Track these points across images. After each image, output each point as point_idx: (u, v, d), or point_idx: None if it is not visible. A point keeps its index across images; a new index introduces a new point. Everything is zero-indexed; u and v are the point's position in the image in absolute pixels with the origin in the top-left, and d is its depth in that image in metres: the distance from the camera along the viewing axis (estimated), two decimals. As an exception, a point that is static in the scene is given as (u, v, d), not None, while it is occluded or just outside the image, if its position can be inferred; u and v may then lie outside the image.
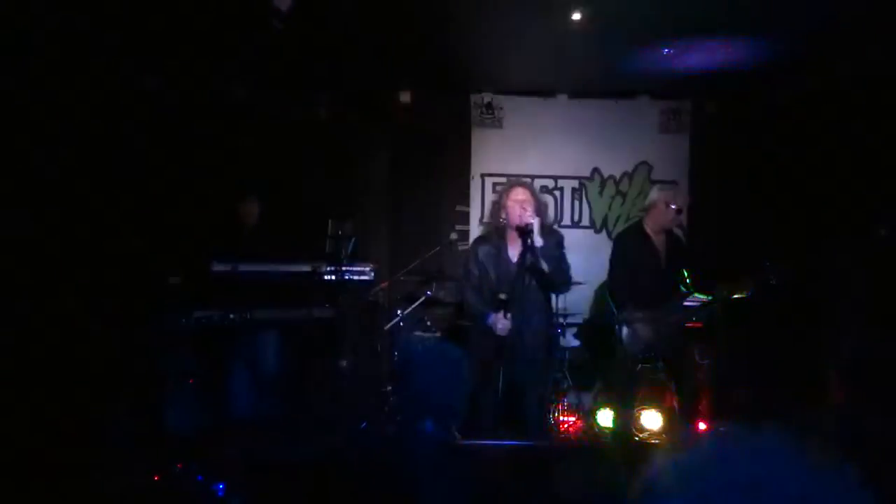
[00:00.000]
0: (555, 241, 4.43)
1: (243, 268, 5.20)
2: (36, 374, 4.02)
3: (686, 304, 4.85)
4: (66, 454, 3.75)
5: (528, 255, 4.21)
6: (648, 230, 4.89)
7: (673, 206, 4.78)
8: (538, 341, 4.46)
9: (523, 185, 4.52)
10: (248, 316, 5.04)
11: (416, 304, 5.67)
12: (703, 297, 4.86)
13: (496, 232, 4.52)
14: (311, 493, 2.65)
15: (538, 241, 4.19)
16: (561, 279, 4.45)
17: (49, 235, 4.39)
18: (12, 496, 3.41)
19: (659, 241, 4.88)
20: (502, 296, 4.31)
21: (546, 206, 4.63)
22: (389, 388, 5.66)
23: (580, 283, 6.20)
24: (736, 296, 4.64)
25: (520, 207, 4.27)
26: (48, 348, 4.12)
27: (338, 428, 5.03)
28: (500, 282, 4.42)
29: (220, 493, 3.84)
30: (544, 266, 4.25)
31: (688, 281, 4.87)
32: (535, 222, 4.19)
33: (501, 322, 4.28)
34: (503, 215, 4.41)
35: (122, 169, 5.51)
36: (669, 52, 5.52)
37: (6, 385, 3.82)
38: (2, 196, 4.09)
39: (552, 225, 4.75)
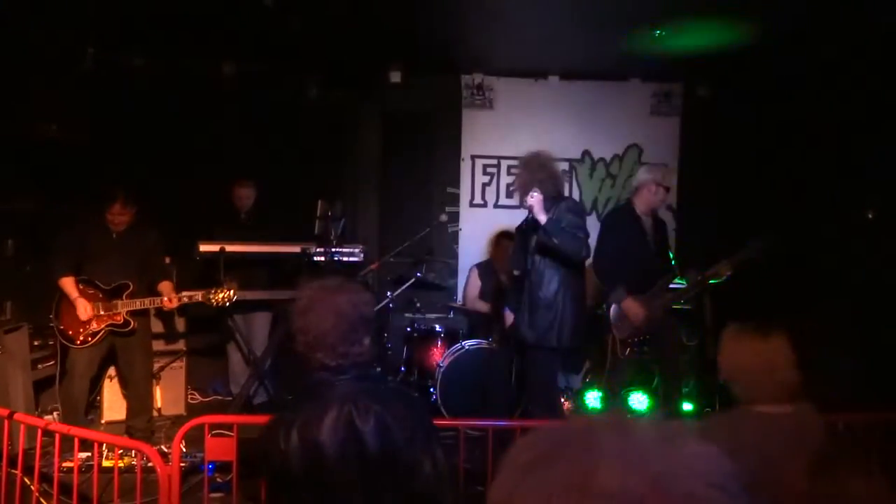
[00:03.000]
0: (565, 208, 4.41)
1: (231, 248, 5.19)
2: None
3: (673, 286, 4.87)
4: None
5: (538, 234, 4.26)
6: (638, 211, 4.89)
7: (663, 186, 4.77)
8: (546, 324, 4.39)
9: (520, 166, 4.53)
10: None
11: (406, 285, 5.69)
12: (683, 282, 4.89)
13: None
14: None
15: (542, 219, 4.21)
16: (573, 247, 4.31)
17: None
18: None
19: (647, 222, 4.88)
20: (516, 272, 4.45)
21: (553, 175, 4.49)
22: (378, 369, 5.68)
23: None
24: (713, 280, 4.65)
25: (521, 190, 4.32)
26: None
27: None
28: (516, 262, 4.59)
29: (209, 473, 3.88)
30: (554, 241, 4.24)
31: (673, 263, 4.89)
32: (535, 200, 4.22)
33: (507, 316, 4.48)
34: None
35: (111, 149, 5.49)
36: (661, 33, 5.50)
37: None
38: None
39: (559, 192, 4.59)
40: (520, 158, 4.64)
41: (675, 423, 0.93)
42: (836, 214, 5.52)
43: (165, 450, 4.26)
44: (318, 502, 1.95)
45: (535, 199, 4.25)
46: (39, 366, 5.01)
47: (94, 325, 4.65)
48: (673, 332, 4.90)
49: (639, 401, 5.37)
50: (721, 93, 6.79)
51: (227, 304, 4.86)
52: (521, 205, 4.36)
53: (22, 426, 3.67)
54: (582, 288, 4.60)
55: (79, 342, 4.62)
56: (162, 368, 5.45)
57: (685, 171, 6.68)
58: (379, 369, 5.35)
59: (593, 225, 6.71)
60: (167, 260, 5.26)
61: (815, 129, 5.92)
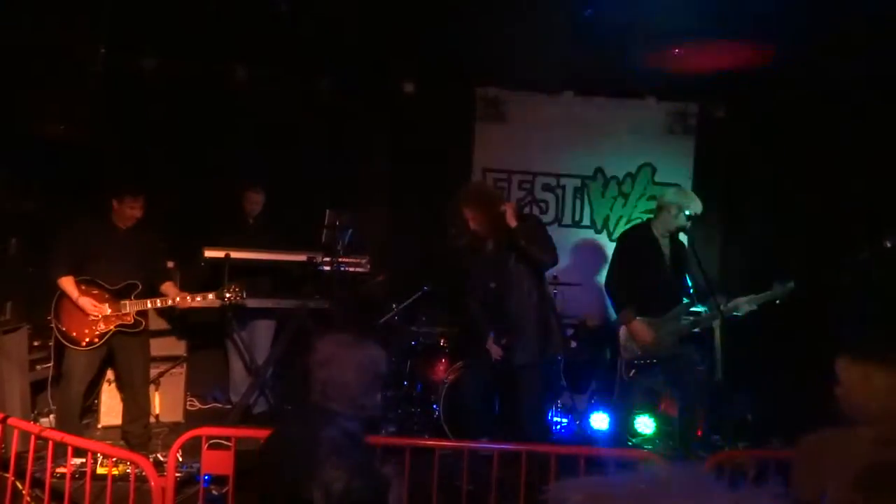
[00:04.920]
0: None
1: (236, 255, 5.13)
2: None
3: (688, 313, 4.79)
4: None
5: (515, 242, 4.34)
6: (656, 233, 4.79)
7: (684, 211, 4.67)
8: (537, 341, 4.42)
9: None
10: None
11: (413, 298, 5.61)
12: (702, 309, 4.81)
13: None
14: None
15: (512, 224, 4.31)
16: (548, 246, 4.44)
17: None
18: None
19: (665, 244, 4.78)
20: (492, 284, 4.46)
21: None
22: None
23: (577, 285, 6.18)
24: (734, 313, 4.61)
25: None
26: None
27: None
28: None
29: (205, 485, 3.79)
30: (528, 244, 4.32)
31: (691, 291, 4.80)
32: (509, 206, 4.39)
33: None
34: None
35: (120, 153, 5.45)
36: (679, 52, 5.44)
37: None
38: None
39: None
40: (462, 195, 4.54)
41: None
42: (851, 243, 5.41)
43: (161, 458, 4.18)
44: None
45: (509, 205, 4.38)
46: (38, 367, 4.93)
47: (101, 326, 4.56)
48: (689, 358, 4.79)
49: (645, 424, 5.26)
50: (737, 114, 6.72)
51: (239, 299, 4.82)
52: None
53: (15, 429, 3.59)
54: (551, 295, 4.89)
55: (84, 343, 4.51)
56: (162, 374, 5.37)
57: (698, 192, 6.57)
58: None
59: (604, 243, 6.71)
60: (171, 265, 5.20)
61: (832, 153, 5.83)
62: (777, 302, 4.55)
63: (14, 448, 3.48)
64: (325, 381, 2.17)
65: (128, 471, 3.77)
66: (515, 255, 4.37)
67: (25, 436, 3.59)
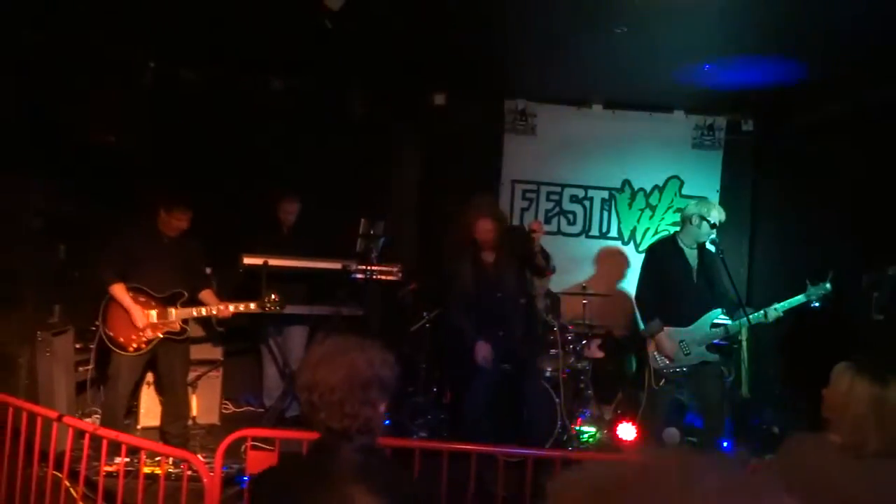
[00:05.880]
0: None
1: (274, 262, 5.26)
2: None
3: (715, 323, 4.84)
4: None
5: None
6: (683, 244, 4.87)
7: (706, 220, 4.75)
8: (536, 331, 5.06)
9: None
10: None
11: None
12: (728, 319, 4.86)
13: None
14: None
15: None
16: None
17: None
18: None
19: (692, 255, 4.86)
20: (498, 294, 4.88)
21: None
22: (411, 389, 5.70)
23: (605, 295, 6.26)
24: (760, 321, 4.65)
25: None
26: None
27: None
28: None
29: (243, 485, 3.92)
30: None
31: (720, 301, 4.84)
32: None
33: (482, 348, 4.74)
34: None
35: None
36: (709, 68, 5.50)
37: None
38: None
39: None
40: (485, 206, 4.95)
41: (745, 472, 0.88)
42: (882, 258, 5.43)
43: (202, 459, 4.30)
44: None
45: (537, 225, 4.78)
46: (80, 368, 5.10)
47: (149, 333, 4.70)
48: (716, 368, 4.86)
49: (671, 435, 5.31)
50: (765, 128, 6.76)
51: (277, 309, 4.97)
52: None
53: (55, 426, 3.69)
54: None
55: (132, 349, 4.66)
56: (199, 377, 5.51)
57: (725, 206, 6.61)
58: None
59: (631, 255, 6.77)
60: (208, 271, 5.35)
61: (861, 167, 5.85)
62: (814, 305, 4.55)
63: (52, 445, 3.60)
64: (310, 385, 1.87)
65: (171, 470, 3.92)
66: (517, 268, 4.83)
67: (63, 434, 3.69)
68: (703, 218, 4.77)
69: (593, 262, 6.79)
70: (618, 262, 6.79)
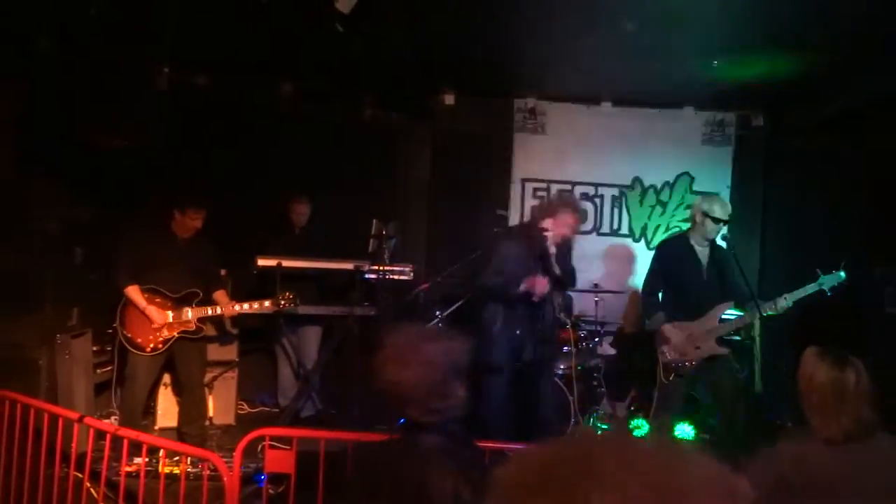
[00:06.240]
0: None
1: (287, 263, 5.32)
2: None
3: (725, 316, 4.84)
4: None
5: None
6: (693, 241, 4.88)
7: (709, 217, 4.75)
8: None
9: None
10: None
11: (455, 306, 5.72)
12: (738, 312, 4.85)
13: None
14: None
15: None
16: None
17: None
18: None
19: (703, 252, 4.86)
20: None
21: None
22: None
23: (618, 292, 6.27)
24: (770, 314, 4.63)
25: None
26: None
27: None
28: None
29: (260, 484, 3.97)
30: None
31: (731, 296, 4.84)
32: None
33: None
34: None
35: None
36: (717, 64, 5.50)
37: None
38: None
39: None
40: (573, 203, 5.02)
41: (681, 445, 0.90)
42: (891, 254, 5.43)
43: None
44: None
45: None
46: (98, 370, 5.17)
47: (165, 333, 4.77)
48: (728, 362, 4.86)
49: (684, 430, 5.31)
50: (775, 123, 6.74)
51: (292, 306, 5.03)
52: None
53: (76, 427, 3.74)
54: None
55: (149, 350, 4.74)
56: (215, 378, 5.56)
57: (736, 201, 6.62)
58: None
59: (642, 252, 6.77)
60: (223, 273, 5.41)
61: (872, 161, 5.84)
62: (828, 294, 4.48)
63: (74, 447, 3.66)
64: (392, 383, 1.97)
65: (189, 469, 3.99)
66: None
67: (84, 435, 3.76)
68: (706, 214, 4.75)
69: (604, 259, 6.80)
70: (629, 260, 6.81)
